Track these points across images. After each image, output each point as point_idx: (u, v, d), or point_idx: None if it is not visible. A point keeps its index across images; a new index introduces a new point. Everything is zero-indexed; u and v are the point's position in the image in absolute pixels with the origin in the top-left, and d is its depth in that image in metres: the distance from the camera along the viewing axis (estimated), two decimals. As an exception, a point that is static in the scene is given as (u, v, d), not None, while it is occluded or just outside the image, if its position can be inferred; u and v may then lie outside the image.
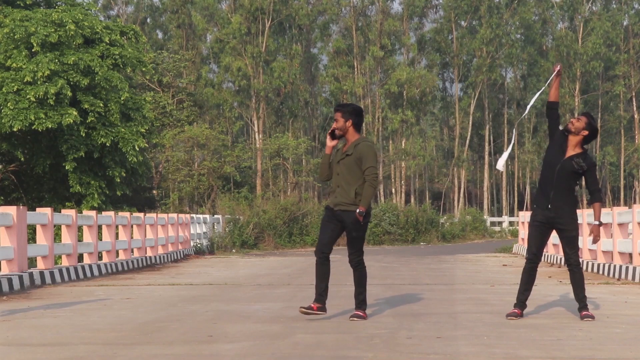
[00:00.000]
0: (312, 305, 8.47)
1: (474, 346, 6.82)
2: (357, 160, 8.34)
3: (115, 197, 28.21)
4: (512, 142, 10.07)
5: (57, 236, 20.40)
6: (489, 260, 22.17)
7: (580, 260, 8.89)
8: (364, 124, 59.61)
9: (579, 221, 18.43)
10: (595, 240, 8.55)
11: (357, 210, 8.27)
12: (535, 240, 8.60)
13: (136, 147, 25.91)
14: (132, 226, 20.40)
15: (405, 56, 62.79)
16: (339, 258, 16.65)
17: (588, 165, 8.41)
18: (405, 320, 8.56)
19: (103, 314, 9.26)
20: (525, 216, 24.41)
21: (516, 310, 8.60)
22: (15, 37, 24.62)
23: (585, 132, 8.45)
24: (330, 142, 8.49)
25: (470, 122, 63.34)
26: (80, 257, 17.47)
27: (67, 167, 25.39)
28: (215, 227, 31.65)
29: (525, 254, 8.73)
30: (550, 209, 8.45)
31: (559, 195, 8.43)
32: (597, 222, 8.57)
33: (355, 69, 58.98)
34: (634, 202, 61.80)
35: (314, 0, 61.50)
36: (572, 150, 8.47)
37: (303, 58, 60.75)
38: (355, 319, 8.44)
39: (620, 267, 14.87)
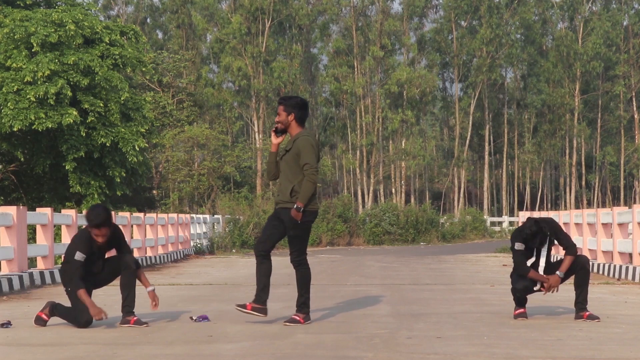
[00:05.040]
0: (247, 304, 8.24)
1: (474, 346, 6.82)
2: (295, 155, 7.98)
3: (115, 197, 28.23)
4: None
5: (57, 236, 20.39)
6: (489, 260, 22.17)
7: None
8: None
9: (579, 221, 18.48)
10: (548, 290, 8.52)
11: (295, 206, 7.95)
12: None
13: (136, 147, 25.92)
14: (132, 226, 20.40)
15: (405, 56, 62.80)
16: (339, 258, 16.65)
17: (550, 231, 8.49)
18: (405, 320, 8.56)
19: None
20: (525, 216, 24.40)
21: (522, 310, 8.60)
22: (15, 37, 24.63)
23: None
24: (275, 140, 8.13)
25: (470, 122, 63.34)
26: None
27: (67, 167, 25.40)
28: (215, 227, 31.64)
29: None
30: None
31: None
32: (560, 274, 8.52)
33: (355, 69, 58.98)
34: (634, 202, 61.80)
35: (314, 0, 61.51)
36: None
37: (303, 58, 60.75)
38: (289, 323, 8.10)
39: (620, 267, 14.87)
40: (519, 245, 8.49)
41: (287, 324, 8.09)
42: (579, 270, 8.50)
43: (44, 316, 8.33)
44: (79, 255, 8.21)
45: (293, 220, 8.03)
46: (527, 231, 8.43)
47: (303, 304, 8.17)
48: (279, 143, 8.17)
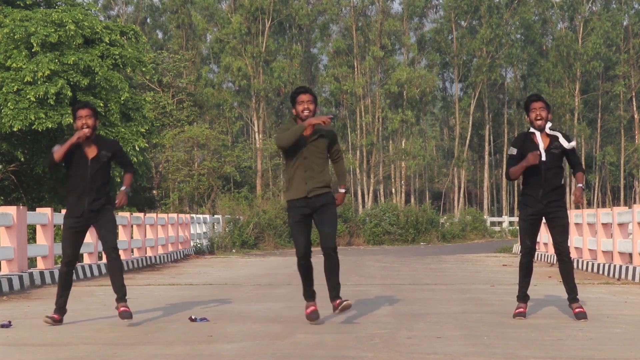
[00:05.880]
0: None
1: (474, 346, 6.82)
2: (329, 143, 8.28)
3: (115, 197, 28.18)
4: None
5: (57, 236, 20.36)
6: (489, 260, 22.17)
7: (581, 260, 8.90)
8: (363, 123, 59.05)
9: (579, 221, 18.47)
10: (576, 202, 8.53)
11: (343, 190, 8.39)
12: (528, 234, 8.58)
13: (136, 147, 25.92)
14: (132, 226, 20.40)
15: (405, 56, 62.79)
16: (339, 258, 16.59)
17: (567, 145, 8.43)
18: (405, 320, 8.56)
19: (103, 314, 9.26)
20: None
21: (522, 309, 8.58)
22: (15, 37, 24.61)
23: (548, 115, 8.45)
24: (314, 120, 8.07)
25: (470, 122, 63.34)
26: (80, 257, 17.47)
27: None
28: (215, 227, 31.64)
29: (519, 250, 8.73)
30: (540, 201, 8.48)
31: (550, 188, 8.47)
32: (581, 185, 8.52)
33: (355, 69, 58.98)
34: (634, 202, 61.80)
35: (314, 0, 61.50)
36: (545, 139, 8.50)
37: (303, 58, 60.74)
38: (341, 309, 8.14)
39: (620, 267, 14.87)
40: (511, 150, 8.53)
41: (343, 305, 8.10)
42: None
43: (55, 316, 8.38)
44: (55, 147, 8.22)
45: (335, 203, 8.23)
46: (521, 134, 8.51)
47: (338, 287, 8.19)
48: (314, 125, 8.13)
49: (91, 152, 8.37)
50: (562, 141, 8.41)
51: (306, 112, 8.10)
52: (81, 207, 8.33)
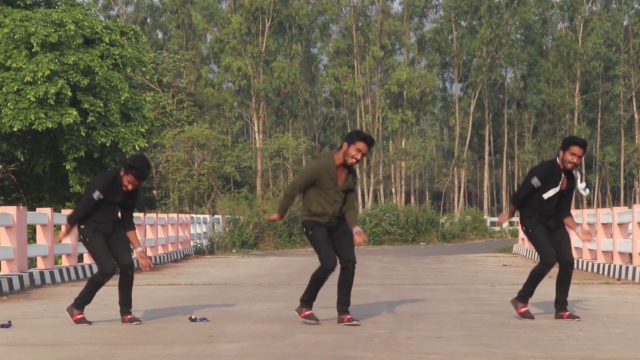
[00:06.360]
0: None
1: (474, 346, 6.82)
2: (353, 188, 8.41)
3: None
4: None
5: (57, 236, 20.38)
6: (489, 260, 22.17)
7: (581, 260, 8.89)
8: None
9: (579, 221, 18.46)
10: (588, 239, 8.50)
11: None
12: (547, 240, 8.36)
13: (136, 147, 25.92)
14: (132, 226, 20.36)
15: (405, 56, 62.80)
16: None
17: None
18: (405, 320, 8.56)
19: (103, 314, 9.26)
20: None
21: (525, 307, 8.53)
22: (15, 37, 24.62)
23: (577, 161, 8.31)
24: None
25: (470, 122, 63.34)
26: (80, 257, 17.47)
27: (67, 167, 25.39)
28: (215, 227, 31.64)
29: (542, 259, 8.42)
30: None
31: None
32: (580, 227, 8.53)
33: (355, 69, 58.97)
34: (634, 202, 61.79)
35: (314, 0, 61.50)
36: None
37: (303, 58, 60.74)
38: (353, 323, 8.18)
39: (620, 267, 14.86)
40: (535, 181, 8.27)
41: (352, 324, 8.10)
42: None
43: (79, 316, 8.38)
44: (96, 194, 8.12)
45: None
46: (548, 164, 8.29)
47: (349, 303, 8.23)
48: None
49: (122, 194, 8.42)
50: (579, 184, 8.32)
51: (353, 160, 8.04)
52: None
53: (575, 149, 8.16)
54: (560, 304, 8.48)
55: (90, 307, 10.11)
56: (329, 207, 8.04)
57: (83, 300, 8.40)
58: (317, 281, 8.18)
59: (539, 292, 11.24)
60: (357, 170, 57.51)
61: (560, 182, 8.27)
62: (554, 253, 8.27)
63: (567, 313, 8.43)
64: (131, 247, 8.45)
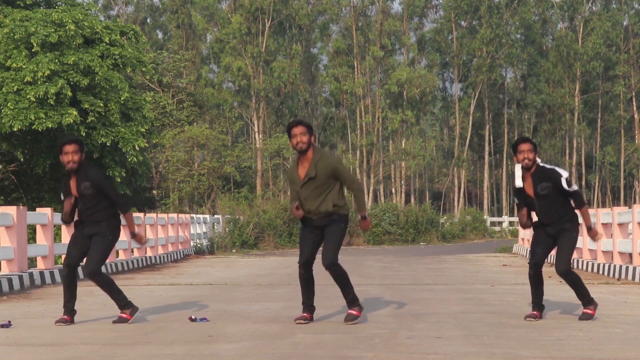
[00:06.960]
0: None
1: (474, 346, 6.82)
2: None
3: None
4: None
5: (57, 236, 20.38)
6: (489, 260, 22.18)
7: (581, 260, 8.89)
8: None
9: (579, 221, 18.46)
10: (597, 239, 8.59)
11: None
12: (534, 244, 8.51)
13: (136, 147, 25.92)
14: (132, 226, 20.36)
15: (405, 56, 62.80)
16: (339, 258, 16.56)
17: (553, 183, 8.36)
18: (405, 320, 8.56)
19: (103, 314, 9.26)
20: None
21: (535, 312, 8.52)
22: (15, 37, 24.61)
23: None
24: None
25: (470, 122, 63.34)
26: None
27: (67, 167, 25.36)
28: (215, 227, 31.64)
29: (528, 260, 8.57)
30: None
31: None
32: (592, 225, 8.61)
33: (355, 69, 58.98)
34: (634, 202, 61.79)
35: (314, 0, 61.50)
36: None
37: (303, 58, 60.74)
38: (351, 322, 8.22)
39: (620, 267, 14.87)
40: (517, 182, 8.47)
41: (351, 322, 8.16)
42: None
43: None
44: (62, 197, 8.46)
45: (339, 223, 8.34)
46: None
47: (353, 299, 8.27)
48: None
49: (74, 186, 8.39)
50: (564, 183, 8.33)
51: (298, 146, 8.09)
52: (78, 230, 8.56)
53: (522, 146, 8.35)
54: (582, 302, 8.55)
55: (90, 307, 10.13)
56: (306, 204, 8.13)
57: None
58: (300, 279, 8.30)
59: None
60: (357, 170, 57.59)
61: (523, 179, 8.41)
62: (538, 257, 8.44)
63: (585, 310, 8.45)
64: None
